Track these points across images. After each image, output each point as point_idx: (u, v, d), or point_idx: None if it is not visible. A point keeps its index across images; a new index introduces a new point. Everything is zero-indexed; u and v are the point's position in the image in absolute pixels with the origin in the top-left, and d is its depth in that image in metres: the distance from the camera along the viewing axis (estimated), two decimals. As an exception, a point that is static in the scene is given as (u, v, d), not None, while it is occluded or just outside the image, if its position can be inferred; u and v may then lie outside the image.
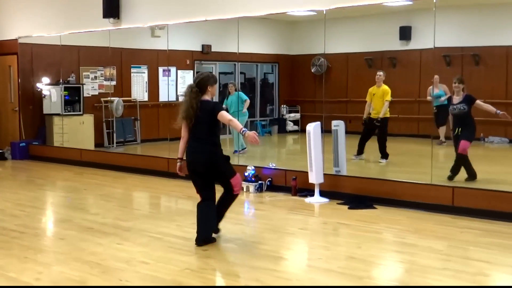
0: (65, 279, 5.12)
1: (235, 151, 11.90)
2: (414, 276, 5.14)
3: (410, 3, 10.00)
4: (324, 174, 8.46)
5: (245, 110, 12.79)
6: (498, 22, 11.90)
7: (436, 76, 11.21)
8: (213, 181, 6.20)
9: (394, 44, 13.81)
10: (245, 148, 12.33)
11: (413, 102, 12.54)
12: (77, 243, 6.38)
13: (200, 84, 6.08)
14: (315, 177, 8.27)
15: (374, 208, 7.82)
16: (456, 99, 8.79)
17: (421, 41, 12.78)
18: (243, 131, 5.81)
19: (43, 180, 10.97)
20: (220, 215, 6.31)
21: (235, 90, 12.86)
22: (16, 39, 13.50)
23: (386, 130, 10.71)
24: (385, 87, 10.79)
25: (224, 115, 5.97)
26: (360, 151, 10.79)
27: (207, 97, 6.08)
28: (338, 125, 8.98)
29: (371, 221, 7.19)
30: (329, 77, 15.45)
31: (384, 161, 10.44)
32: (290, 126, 16.03)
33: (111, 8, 11.23)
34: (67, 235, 6.91)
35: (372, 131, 10.89)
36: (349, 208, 7.87)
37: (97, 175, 11.11)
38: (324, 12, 8.95)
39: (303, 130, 9.06)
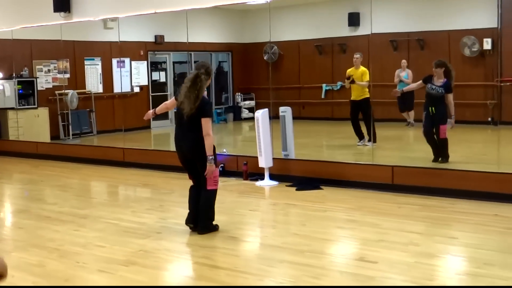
0: (24, 263, 5.32)
1: None
2: (352, 248, 5.55)
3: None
4: (274, 159, 8.65)
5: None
6: (439, 8, 12.41)
7: (403, 60, 11.62)
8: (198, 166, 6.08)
9: (343, 30, 14.16)
10: None
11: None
12: (36, 231, 6.56)
13: (208, 72, 5.94)
14: (264, 162, 8.47)
15: (321, 189, 8.04)
16: (438, 81, 8.77)
17: (368, 27, 13.12)
18: (210, 158, 5.81)
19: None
20: (202, 213, 6.18)
21: None
22: (-34, 34, 13.41)
23: (370, 110, 10.28)
24: (363, 68, 10.77)
25: (206, 124, 5.86)
26: (360, 136, 10.72)
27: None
28: (285, 111, 9.14)
29: (317, 201, 7.44)
30: (282, 64, 15.78)
31: (370, 144, 10.08)
32: (245, 114, 16.12)
33: (62, 2, 11.17)
34: (25, 224, 7.07)
35: (356, 113, 10.80)
36: (297, 189, 8.08)
37: (54, 167, 11.13)
38: (268, 1, 9.20)
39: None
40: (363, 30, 13.32)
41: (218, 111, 16.44)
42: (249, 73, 16.53)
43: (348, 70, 10.98)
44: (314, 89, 14.56)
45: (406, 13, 13.16)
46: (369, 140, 10.20)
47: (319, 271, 4.89)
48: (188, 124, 5.93)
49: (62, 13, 11.32)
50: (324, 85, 14.60)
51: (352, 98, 10.92)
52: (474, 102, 11.74)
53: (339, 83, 13.13)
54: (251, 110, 15.61)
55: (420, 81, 9.13)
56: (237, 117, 16.27)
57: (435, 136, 8.80)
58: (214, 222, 6.17)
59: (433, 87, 8.78)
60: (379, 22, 13.05)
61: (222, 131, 15.78)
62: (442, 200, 7.16)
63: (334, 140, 12.71)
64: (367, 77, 10.64)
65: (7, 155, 12.75)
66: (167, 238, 5.99)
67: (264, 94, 14.78)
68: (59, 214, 7.24)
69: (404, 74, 11.39)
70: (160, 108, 6.47)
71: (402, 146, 11.50)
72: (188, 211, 6.16)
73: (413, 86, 9.59)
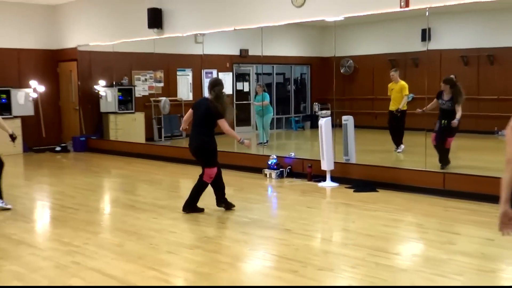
0: (108, 243, 5.85)
1: (259, 143, 12.57)
2: (391, 243, 5.66)
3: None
4: (335, 162, 8.80)
5: (260, 103, 13.22)
6: (509, 25, 12.14)
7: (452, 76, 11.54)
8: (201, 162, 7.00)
9: (416, 45, 14.06)
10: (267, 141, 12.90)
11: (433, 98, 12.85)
12: (121, 217, 7.11)
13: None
14: (326, 165, 8.67)
15: (377, 191, 8.13)
16: (447, 96, 9.01)
17: (440, 42, 13.05)
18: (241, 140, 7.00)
19: (98, 169, 11.55)
20: (193, 196, 6.96)
21: (263, 91, 13.23)
22: (75, 48, 13.98)
23: (404, 121, 10.95)
24: (402, 82, 11.07)
25: (226, 125, 6.87)
26: (397, 143, 10.98)
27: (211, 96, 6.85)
28: (347, 120, 9.27)
29: (370, 201, 7.53)
30: (356, 76, 15.85)
31: (400, 150, 10.74)
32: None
33: (155, 20, 11.62)
34: (113, 211, 7.67)
35: (394, 122, 11.10)
36: (354, 191, 8.21)
37: (145, 164, 11.61)
38: (335, 20, 9.32)
39: (334, 126, 9.39)
40: (435, 45, 13.22)
41: (296, 119, 16.69)
42: (326, 85, 16.63)
43: (389, 85, 11.27)
44: (387, 101, 14.54)
45: (477, 30, 12.90)
46: (397, 146, 10.83)
47: (356, 261, 5.06)
48: (200, 126, 6.89)
49: (155, 29, 11.81)
50: (406, 97, 14.60)
51: (390, 108, 11.20)
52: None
53: (411, 95, 13.10)
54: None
55: (435, 99, 9.31)
56: (314, 125, 16.29)
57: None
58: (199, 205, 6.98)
59: (443, 102, 9.05)
60: (450, 38, 12.99)
61: (299, 137, 16.04)
62: (491, 206, 6.91)
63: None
64: (406, 91, 10.94)
65: (107, 153, 13.40)
66: (230, 227, 6.37)
67: (339, 104, 14.90)
68: (142, 204, 7.71)
69: None
70: (185, 122, 7.33)
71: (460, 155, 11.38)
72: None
73: (431, 104, 9.59)
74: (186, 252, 5.46)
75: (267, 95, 13.55)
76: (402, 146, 10.82)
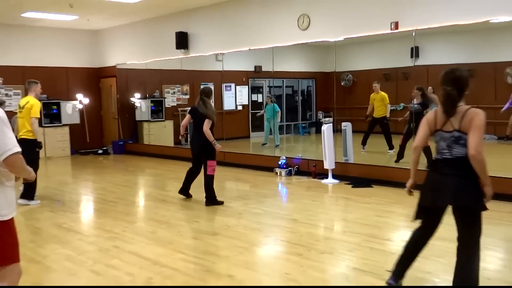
0: (144, 231, 5.93)
1: (264, 144, 12.73)
2: (382, 231, 5.70)
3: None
4: (336, 162, 8.83)
5: (278, 119, 13.30)
6: (486, 43, 12.10)
7: (430, 87, 11.58)
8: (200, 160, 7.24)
9: (406, 61, 14.04)
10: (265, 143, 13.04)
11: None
12: (153, 209, 7.19)
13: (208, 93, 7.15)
14: (328, 164, 8.72)
15: (371, 187, 8.15)
16: (417, 101, 9.29)
17: (427, 58, 13.03)
18: (214, 142, 6.99)
19: (134, 168, 11.63)
20: (207, 190, 7.11)
21: (271, 102, 13.27)
22: (115, 66, 14.14)
23: (389, 126, 10.99)
24: (382, 93, 11.15)
25: (206, 123, 6.91)
26: (364, 143, 11.11)
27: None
28: (346, 125, 9.28)
29: (366, 195, 7.55)
30: (355, 88, 15.86)
31: (391, 151, 10.56)
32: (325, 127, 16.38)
33: (182, 42, 11.75)
34: (146, 204, 7.76)
35: (373, 128, 11.17)
36: (352, 186, 8.23)
37: (174, 165, 11.64)
38: (334, 41, 9.36)
39: (336, 131, 9.42)
40: (423, 61, 13.20)
41: (303, 125, 16.71)
42: (329, 96, 16.62)
43: (371, 95, 11.33)
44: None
45: (458, 48, 12.89)
46: (390, 149, 10.63)
47: (353, 246, 5.12)
48: (195, 129, 7.14)
49: (182, 50, 11.92)
50: (389, 105, 14.58)
51: (375, 116, 11.21)
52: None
53: (402, 104, 13.06)
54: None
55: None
56: (318, 131, 16.25)
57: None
58: (219, 199, 7.14)
59: (413, 105, 9.28)
60: (435, 55, 12.97)
61: (305, 141, 16.03)
62: None
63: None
64: (387, 100, 11.02)
65: (141, 155, 13.48)
66: (246, 218, 6.40)
67: (340, 112, 14.90)
68: (171, 198, 7.77)
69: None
70: (182, 127, 7.72)
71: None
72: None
73: (407, 114, 9.83)
74: (208, 238, 5.54)
75: (277, 106, 13.55)
76: (392, 151, 10.69)
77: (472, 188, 3.38)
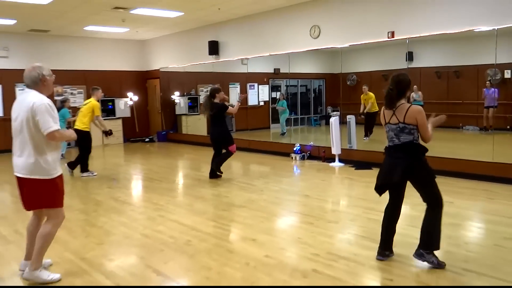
0: (184, 204, 6.07)
1: (282, 133, 12.73)
2: (379, 205, 5.53)
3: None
4: (342, 149, 8.87)
5: (281, 108, 13.40)
6: (471, 48, 11.93)
7: (415, 86, 11.44)
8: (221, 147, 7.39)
9: (401, 64, 13.89)
10: (284, 132, 12.97)
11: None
12: (191, 187, 7.28)
13: (212, 92, 7.31)
14: (335, 150, 8.76)
15: (371, 169, 8.15)
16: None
17: (420, 61, 12.90)
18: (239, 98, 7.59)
19: (174, 153, 11.77)
20: (219, 162, 7.38)
21: (283, 98, 13.38)
22: (159, 69, 14.31)
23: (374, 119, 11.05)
24: (370, 93, 11.55)
25: (230, 109, 7.23)
26: (366, 134, 11.23)
27: (216, 100, 7.19)
28: (350, 118, 9.36)
29: (366, 176, 7.58)
30: (359, 87, 15.76)
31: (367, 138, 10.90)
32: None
33: (213, 49, 11.88)
34: (185, 182, 7.87)
35: (368, 121, 11.33)
36: (355, 169, 8.27)
37: (206, 151, 11.24)
38: (340, 47, 9.36)
39: (342, 123, 9.41)
40: (416, 64, 13.08)
41: (315, 118, 16.69)
42: (336, 93, 16.53)
43: (361, 95, 11.60)
44: (380, 105, 14.45)
45: (446, 52, 12.73)
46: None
47: (354, 216, 5.22)
48: (214, 122, 7.25)
49: (213, 56, 12.04)
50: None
51: (368, 111, 11.48)
52: (496, 115, 11.27)
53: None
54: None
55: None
56: (327, 123, 16.13)
57: None
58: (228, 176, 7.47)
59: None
60: (427, 59, 12.85)
61: (317, 131, 16.01)
62: (454, 180, 7.00)
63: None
64: (373, 99, 11.31)
65: (180, 142, 13.65)
66: (266, 194, 6.48)
67: (346, 107, 14.84)
68: (205, 178, 7.83)
69: (416, 95, 11.19)
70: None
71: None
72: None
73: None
74: (236, 210, 5.65)
75: (285, 102, 13.59)
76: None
77: (418, 164, 3.63)
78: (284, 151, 10.20)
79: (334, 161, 8.88)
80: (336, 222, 5.00)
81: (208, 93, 7.34)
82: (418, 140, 3.66)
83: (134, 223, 5.17)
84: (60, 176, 3.46)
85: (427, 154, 3.71)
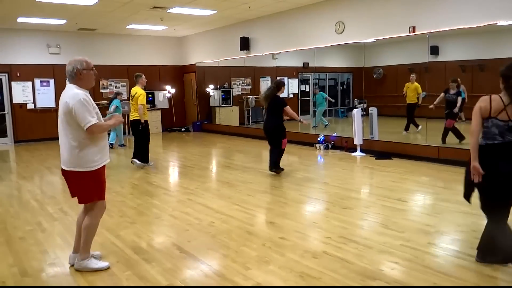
0: (212, 189, 6.17)
1: (314, 126, 12.47)
2: (394, 193, 5.61)
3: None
4: (364, 139, 8.85)
5: (326, 102, 13.15)
6: (495, 41, 11.48)
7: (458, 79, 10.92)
8: (274, 139, 6.88)
9: (426, 57, 13.52)
10: (327, 124, 12.80)
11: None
12: (219, 173, 7.47)
13: (278, 86, 6.87)
14: (357, 140, 8.72)
15: (391, 159, 8.10)
16: (452, 91, 8.77)
17: (445, 55, 12.51)
18: (299, 119, 6.91)
19: (208, 142, 11.91)
20: (275, 160, 6.89)
21: (319, 91, 13.27)
22: (194, 64, 14.48)
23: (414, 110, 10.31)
24: (416, 83, 10.52)
25: (289, 110, 6.76)
26: (416, 125, 10.37)
27: (279, 93, 6.80)
28: (372, 110, 9.29)
29: (385, 166, 7.53)
30: (385, 80, 15.46)
31: (404, 133, 10.13)
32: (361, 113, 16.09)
33: (245, 45, 11.91)
34: (215, 169, 8.03)
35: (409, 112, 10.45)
36: (375, 159, 8.20)
37: (238, 140, 11.94)
38: (363, 42, 9.23)
39: (367, 115, 9.36)
40: (441, 57, 12.73)
41: (342, 110, 16.50)
42: (363, 86, 16.33)
43: (406, 84, 10.74)
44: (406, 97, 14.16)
45: (471, 46, 12.30)
46: (416, 126, 10.17)
47: (369, 203, 5.20)
48: (271, 114, 6.83)
49: (245, 51, 12.09)
50: (421, 93, 14.13)
51: (408, 102, 10.59)
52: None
53: (424, 93, 12.61)
54: (364, 110, 15.44)
55: (442, 94, 8.95)
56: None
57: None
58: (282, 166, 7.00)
59: (449, 95, 8.70)
60: (452, 53, 12.44)
61: (344, 122, 15.84)
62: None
63: (414, 129, 12.32)
64: (419, 90, 10.36)
65: (214, 132, 13.86)
66: (289, 180, 6.51)
67: (372, 99, 14.58)
68: (234, 165, 8.03)
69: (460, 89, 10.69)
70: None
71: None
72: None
73: (440, 97, 9.14)
74: (259, 195, 5.73)
75: (323, 93, 13.44)
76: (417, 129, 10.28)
77: None
78: (309, 141, 10.19)
79: (356, 151, 8.81)
80: (351, 208, 5.00)
81: (274, 85, 6.83)
82: None
83: (165, 205, 5.35)
84: (100, 169, 3.29)
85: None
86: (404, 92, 10.89)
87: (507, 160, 3.09)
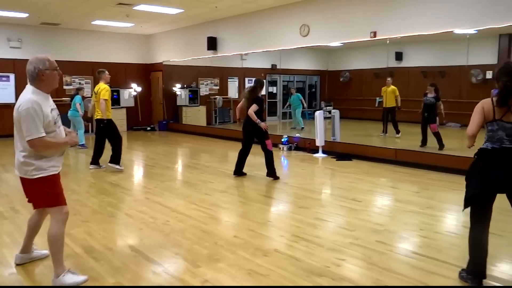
0: (169, 187, 6.10)
1: (293, 128, 12.61)
2: (351, 193, 5.72)
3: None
4: (326, 141, 8.94)
5: (304, 104, 13.13)
6: (455, 49, 11.89)
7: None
8: (252, 140, 6.55)
9: (391, 63, 13.85)
10: (303, 127, 12.90)
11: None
12: (180, 172, 7.43)
13: (261, 84, 6.55)
14: (319, 142, 8.81)
15: (351, 160, 8.24)
16: (430, 95, 8.89)
17: (409, 61, 12.93)
18: (258, 122, 6.35)
19: (173, 142, 11.78)
20: (269, 166, 6.48)
21: (295, 92, 13.34)
22: (161, 62, 14.31)
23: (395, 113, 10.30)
24: (392, 87, 10.41)
25: (252, 108, 6.30)
26: (385, 130, 10.29)
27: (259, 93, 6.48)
28: (335, 112, 9.44)
29: (345, 167, 7.65)
30: (351, 84, 15.78)
31: (398, 135, 10.03)
32: (326, 114, 16.22)
33: (212, 44, 11.83)
34: (176, 168, 7.94)
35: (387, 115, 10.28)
36: (336, 160, 8.32)
37: (205, 140, 11.83)
38: (335, 45, 9.37)
39: (341, 117, 9.47)
40: (405, 63, 13.12)
41: (309, 112, 16.68)
42: (330, 89, 16.56)
43: (383, 88, 10.67)
44: (371, 101, 14.48)
45: (432, 53, 12.74)
46: (397, 133, 10.08)
47: (326, 203, 5.31)
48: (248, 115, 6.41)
49: (212, 51, 12.00)
50: (377, 98, 14.37)
51: (385, 106, 10.50)
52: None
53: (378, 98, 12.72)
54: (330, 112, 15.63)
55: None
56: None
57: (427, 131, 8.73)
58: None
59: (427, 99, 8.81)
60: (415, 58, 12.85)
61: (310, 124, 16.00)
62: (424, 172, 7.03)
63: (377, 132, 12.61)
64: (396, 93, 10.29)
65: (180, 132, 13.73)
66: (250, 180, 6.58)
67: (338, 102, 14.82)
68: (196, 165, 8.00)
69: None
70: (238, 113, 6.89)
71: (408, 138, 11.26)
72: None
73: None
74: (217, 195, 5.71)
75: (300, 95, 13.43)
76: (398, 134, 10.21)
77: None
78: (273, 142, 10.16)
79: (318, 152, 8.92)
80: (307, 208, 5.07)
81: (256, 84, 6.48)
82: None
83: (121, 204, 5.29)
84: (55, 175, 3.03)
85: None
86: (380, 98, 10.83)
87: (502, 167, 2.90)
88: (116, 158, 7.29)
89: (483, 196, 2.90)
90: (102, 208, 5.10)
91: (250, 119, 6.41)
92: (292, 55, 12.13)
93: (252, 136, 6.56)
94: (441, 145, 8.25)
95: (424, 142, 8.71)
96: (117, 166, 7.30)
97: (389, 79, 10.82)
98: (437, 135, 8.49)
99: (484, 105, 2.94)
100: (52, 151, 2.99)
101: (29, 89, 2.94)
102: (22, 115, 2.82)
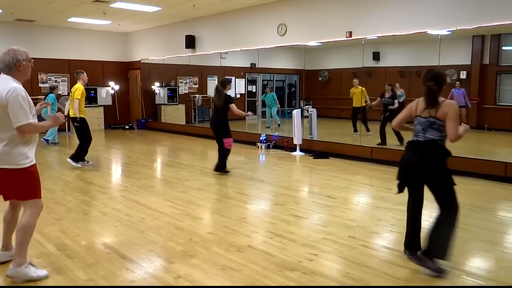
0: (145, 185, 6.10)
1: (267, 127, 12.66)
2: (326, 190, 5.83)
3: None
4: (303, 139, 9.05)
5: (278, 104, 13.25)
6: (431, 50, 12.14)
7: (397, 84, 11.38)
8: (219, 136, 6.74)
9: (369, 62, 14.05)
10: (279, 124, 12.98)
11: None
12: (157, 170, 7.41)
13: (224, 83, 6.74)
14: (296, 140, 8.89)
15: (328, 158, 8.34)
16: (388, 95, 9.17)
17: (386, 61, 13.15)
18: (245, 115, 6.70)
19: (152, 140, 11.69)
20: (221, 159, 6.74)
21: (270, 91, 13.36)
22: (140, 60, 14.22)
23: (366, 113, 10.38)
24: (360, 87, 10.53)
25: (234, 107, 6.55)
26: (355, 129, 10.42)
27: (226, 91, 6.66)
28: (312, 111, 9.57)
29: (322, 164, 7.76)
30: (330, 83, 15.95)
31: (369, 132, 10.04)
32: (306, 113, 16.37)
33: (190, 43, 11.84)
34: (153, 166, 7.90)
35: (356, 114, 10.46)
36: (313, 158, 8.41)
37: (183, 139, 11.80)
38: (304, 45, 9.49)
39: (318, 116, 9.53)
40: (382, 63, 13.34)
41: (288, 111, 16.80)
42: (309, 88, 16.68)
43: (351, 89, 10.76)
44: (349, 100, 14.69)
45: (409, 53, 12.98)
46: (367, 131, 10.20)
47: (300, 200, 5.39)
48: (218, 112, 6.65)
49: (190, 49, 12.00)
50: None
51: (354, 105, 10.61)
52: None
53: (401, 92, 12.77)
54: (307, 111, 15.76)
55: (379, 98, 9.32)
56: (301, 116, 16.46)
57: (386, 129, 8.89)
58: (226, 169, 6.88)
59: (385, 99, 9.12)
60: (392, 58, 13.09)
61: (290, 123, 16.13)
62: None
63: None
64: (365, 93, 10.43)
65: (159, 130, 13.66)
66: (225, 178, 6.60)
67: (317, 101, 14.96)
68: (174, 163, 7.99)
69: (399, 92, 11.16)
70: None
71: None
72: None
73: (377, 100, 9.48)
74: (193, 192, 5.74)
75: (274, 94, 13.46)
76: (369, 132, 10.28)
77: (436, 167, 3.20)
78: (252, 141, 10.30)
79: (295, 150, 9.01)
80: (282, 205, 5.14)
81: (220, 83, 6.67)
82: (445, 141, 3.22)
83: (95, 202, 5.26)
84: (34, 166, 3.10)
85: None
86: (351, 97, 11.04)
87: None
88: (77, 156, 7.43)
89: (405, 181, 3.36)
90: (77, 206, 5.08)
91: (216, 117, 6.68)
92: (272, 54, 12.20)
93: (215, 131, 6.76)
94: (401, 140, 8.36)
95: (383, 143, 8.76)
96: (74, 163, 7.38)
97: (355, 80, 11.01)
98: (397, 132, 8.49)
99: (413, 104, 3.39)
100: (35, 140, 3.16)
101: (7, 78, 3.03)
102: (12, 102, 2.92)
